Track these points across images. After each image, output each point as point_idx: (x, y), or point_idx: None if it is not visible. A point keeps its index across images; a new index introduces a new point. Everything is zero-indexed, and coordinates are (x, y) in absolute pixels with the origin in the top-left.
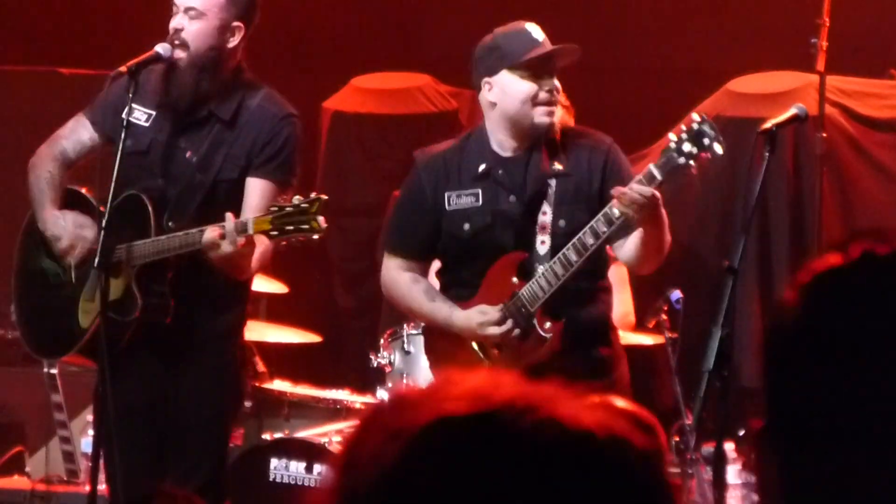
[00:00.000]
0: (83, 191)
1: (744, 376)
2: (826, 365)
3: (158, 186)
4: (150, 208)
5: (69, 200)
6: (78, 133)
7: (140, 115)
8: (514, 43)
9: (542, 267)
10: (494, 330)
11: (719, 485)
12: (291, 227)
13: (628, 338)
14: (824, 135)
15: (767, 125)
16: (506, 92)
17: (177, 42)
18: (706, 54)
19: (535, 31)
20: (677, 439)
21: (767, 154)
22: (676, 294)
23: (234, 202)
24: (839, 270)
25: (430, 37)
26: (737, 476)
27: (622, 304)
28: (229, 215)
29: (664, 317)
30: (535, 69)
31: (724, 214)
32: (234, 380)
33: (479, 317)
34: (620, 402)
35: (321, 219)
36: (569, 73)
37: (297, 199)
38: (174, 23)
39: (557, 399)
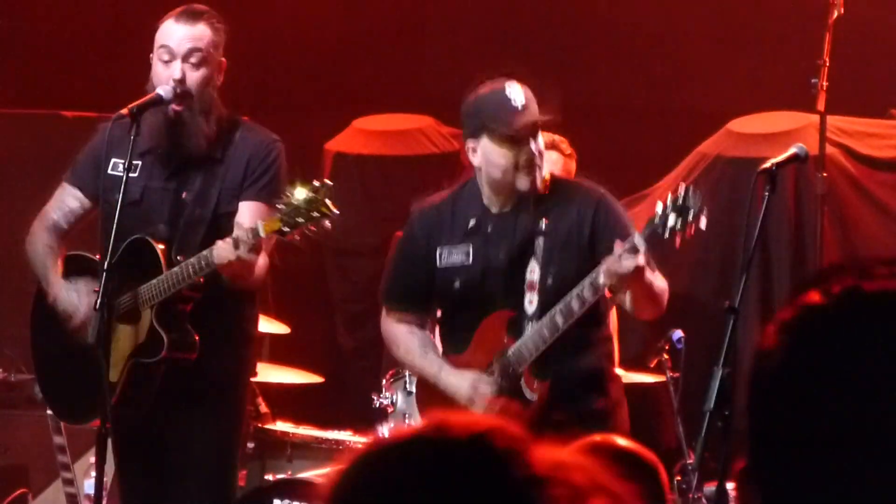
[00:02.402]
0: (84, 254)
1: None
2: (808, 406)
3: (160, 231)
4: (156, 245)
5: (72, 267)
6: (65, 201)
7: (122, 167)
8: (494, 109)
9: (529, 327)
10: (479, 409)
11: None
12: (302, 220)
13: (630, 377)
14: (825, 174)
15: (767, 165)
16: (487, 159)
17: (179, 91)
18: (707, 94)
19: (516, 94)
20: (679, 479)
21: (768, 194)
22: (678, 333)
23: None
24: (823, 308)
25: (431, 78)
26: None
27: None
28: (238, 223)
29: (666, 356)
30: (514, 137)
31: (725, 254)
32: (239, 422)
33: (470, 392)
34: (622, 441)
35: (330, 203)
36: (571, 114)
37: (300, 190)
38: (173, 72)
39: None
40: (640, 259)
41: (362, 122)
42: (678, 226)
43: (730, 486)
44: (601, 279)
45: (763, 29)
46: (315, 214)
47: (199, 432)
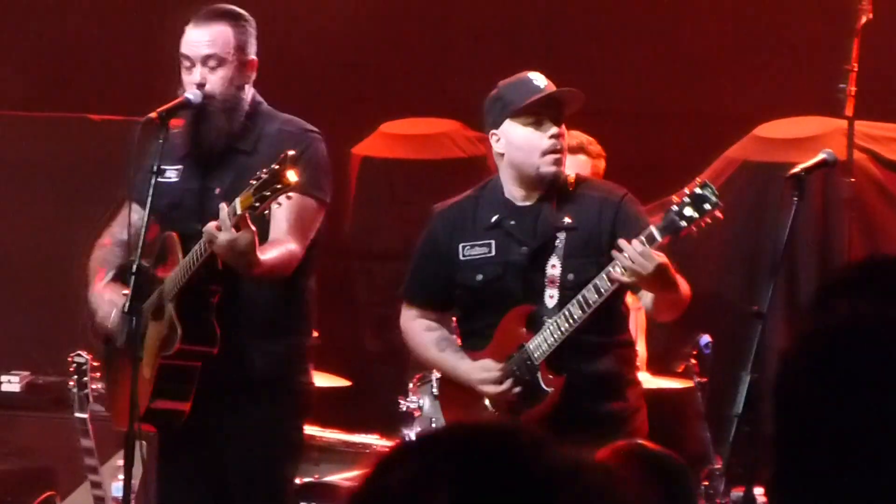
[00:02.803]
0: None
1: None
2: (833, 412)
3: (196, 230)
4: (177, 241)
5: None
6: (126, 216)
7: (171, 173)
8: (515, 92)
9: (549, 320)
10: (491, 389)
11: None
12: (269, 193)
13: (657, 383)
14: (853, 180)
15: (795, 170)
16: (510, 141)
17: (201, 94)
18: (734, 100)
19: (538, 79)
20: (706, 484)
21: (795, 199)
22: (705, 339)
23: (266, 226)
24: (849, 315)
25: (458, 83)
26: None
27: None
28: (222, 205)
29: (693, 361)
30: (537, 116)
31: (753, 259)
32: (290, 424)
33: (480, 373)
34: (652, 446)
35: (290, 173)
36: (597, 119)
37: (273, 165)
38: (194, 78)
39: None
40: (659, 257)
41: (389, 126)
42: (695, 216)
43: (757, 491)
44: (617, 268)
45: (791, 34)
46: (278, 186)
47: (248, 430)
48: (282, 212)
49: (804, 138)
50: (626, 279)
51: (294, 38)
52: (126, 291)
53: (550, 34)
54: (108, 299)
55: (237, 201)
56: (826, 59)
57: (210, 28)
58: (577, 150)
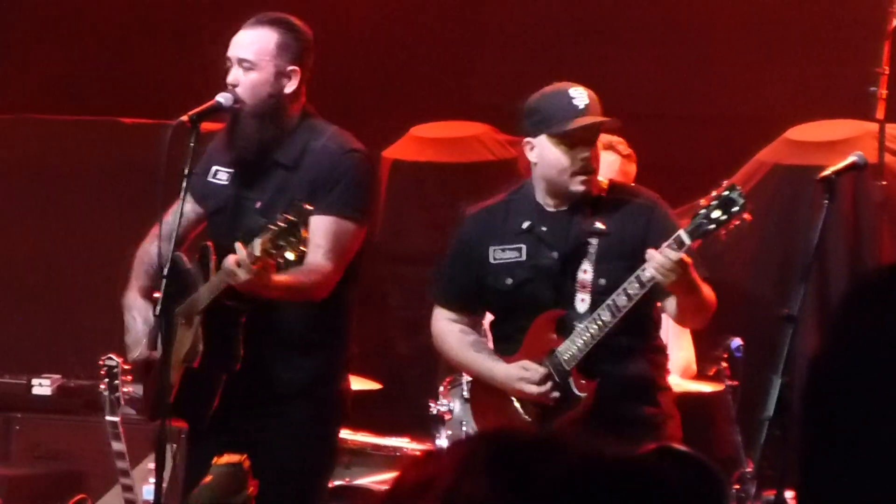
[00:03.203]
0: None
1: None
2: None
3: (231, 242)
4: (211, 254)
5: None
6: (178, 209)
7: (223, 175)
8: (555, 109)
9: (579, 325)
10: (532, 389)
11: None
12: (283, 244)
13: (688, 386)
14: (884, 183)
15: (826, 173)
16: (543, 157)
17: (231, 97)
18: (765, 103)
19: (579, 96)
20: (737, 488)
21: (826, 202)
22: (736, 342)
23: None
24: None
25: (488, 86)
26: None
27: (683, 352)
28: (238, 245)
29: (724, 365)
30: (573, 139)
31: (784, 262)
32: (321, 432)
33: (520, 372)
34: (686, 449)
35: (303, 230)
36: (628, 122)
37: (288, 216)
38: (230, 78)
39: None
40: (686, 261)
41: (419, 129)
42: (723, 219)
43: (788, 494)
44: (647, 273)
45: (822, 37)
46: (293, 239)
47: (279, 439)
48: (319, 233)
49: (835, 141)
50: (658, 278)
51: (325, 42)
52: (157, 294)
53: (579, 38)
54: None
55: (256, 244)
56: (857, 62)
57: (254, 32)
58: (606, 147)
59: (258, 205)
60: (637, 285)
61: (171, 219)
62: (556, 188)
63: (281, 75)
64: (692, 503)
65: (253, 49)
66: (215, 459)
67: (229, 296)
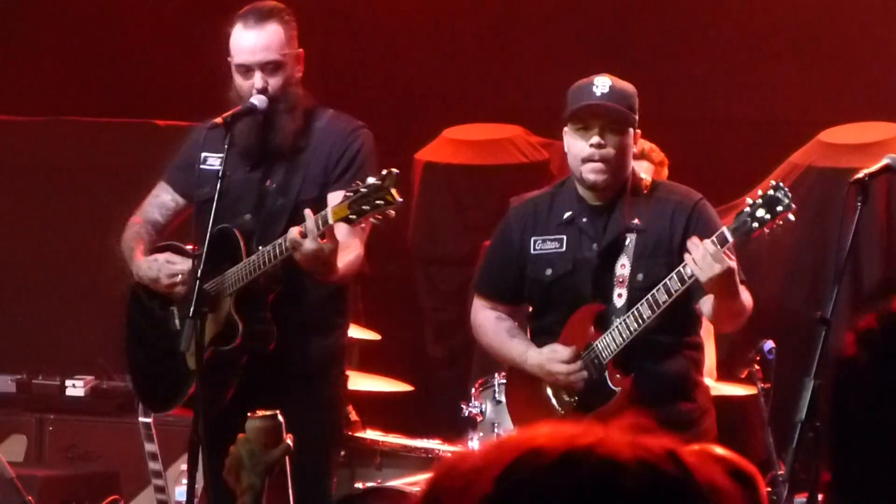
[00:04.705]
0: (176, 243)
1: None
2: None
3: (245, 221)
4: (238, 235)
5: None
6: (160, 197)
7: (213, 160)
8: (575, 95)
9: (617, 320)
10: (562, 367)
11: None
12: (368, 208)
13: (720, 389)
14: None
15: (860, 175)
16: (566, 146)
17: (265, 99)
18: (798, 105)
19: (601, 84)
20: (770, 490)
21: (860, 204)
22: (769, 344)
23: None
24: None
25: (521, 88)
26: None
27: (707, 359)
28: (308, 212)
29: (756, 367)
30: (585, 123)
31: (817, 265)
32: (338, 412)
33: (550, 353)
34: (719, 450)
35: (395, 191)
36: (662, 125)
37: (370, 179)
38: (256, 83)
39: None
40: (729, 260)
41: (452, 131)
42: (767, 217)
43: (820, 497)
44: (688, 269)
45: (855, 39)
46: (380, 202)
47: (298, 419)
48: None
49: (868, 143)
50: (697, 275)
51: (357, 44)
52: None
53: (614, 41)
54: (163, 264)
55: (329, 211)
56: (891, 65)
57: (265, 27)
58: (640, 157)
59: (269, 184)
60: (678, 282)
61: (154, 209)
62: (577, 178)
63: (296, 62)
64: None
65: (272, 48)
66: (249, 415)
67: (268, 273)
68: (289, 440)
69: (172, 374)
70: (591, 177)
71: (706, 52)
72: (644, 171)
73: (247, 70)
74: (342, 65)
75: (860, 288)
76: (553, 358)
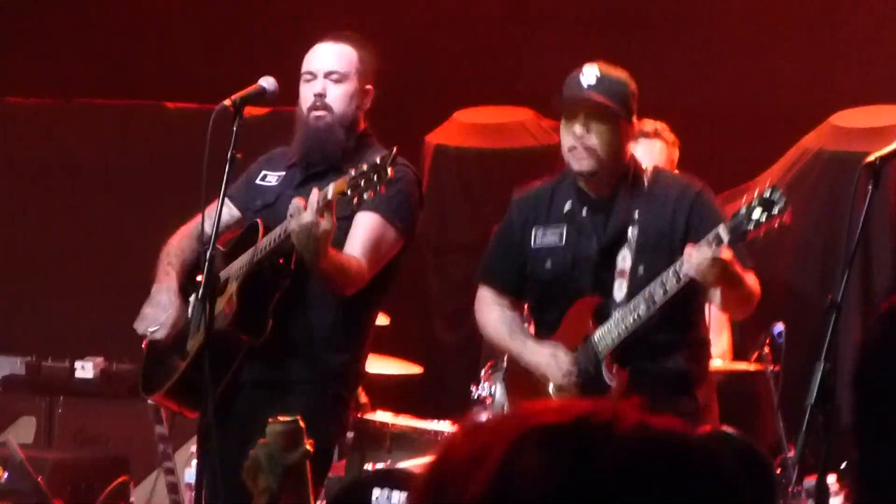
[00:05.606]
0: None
1: (846, 410)
2: None
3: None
4: (260, 228)
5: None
6: (215, 209)
7: (271, 178)
8: (565, 87)
9: (616, 313)
10: (555, 373)
11: None
12: (363, 185)
13: (731, 366)
14: None
15: (871, 158)
16: (560, 136)
17: (319, 105)
18: (809, 88)
19: (587, 74)
20: (779, 473)
21: (871, 188)
22: (779, 327)
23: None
24: None
25: (533, 71)
26: None
27: (718, 347)
28: (314, 190)
29: (766, 350)
30: (570, 112)
31: (828, 249)
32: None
33: (547, 357)
34: (731, 433)
35: (390, 169)
36: (673, 110)
37: (374, 159)
38: (315, 89)
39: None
40: (724, 252)
41: (463, 114)
42: (763, 219)
43: (830, 479)
44: (684, 268)
45: (866, 22)
46: (375, 180)
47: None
48: (360, 230)
49: (880, 128)
50: (692, 276)
51: (368, 27)
52: (199, 277)
53: (625, 26)
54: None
55: (330, 186)
56: None
57: (338, 46)
58: (653, 135)
59: None
60: (674, 279)
61: (207, 220)
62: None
63: (363, 91)
64: (742, 486)
65: (342, 62)
66: (270, 420)
67: (273, 267)
68: (308, 445)
69: (170, 359)
70: (575, 166)
71: (717, 37)
72: (657, 149)
73: (311, 76)
74: None
75: (871, 272)
76: (550, 364)
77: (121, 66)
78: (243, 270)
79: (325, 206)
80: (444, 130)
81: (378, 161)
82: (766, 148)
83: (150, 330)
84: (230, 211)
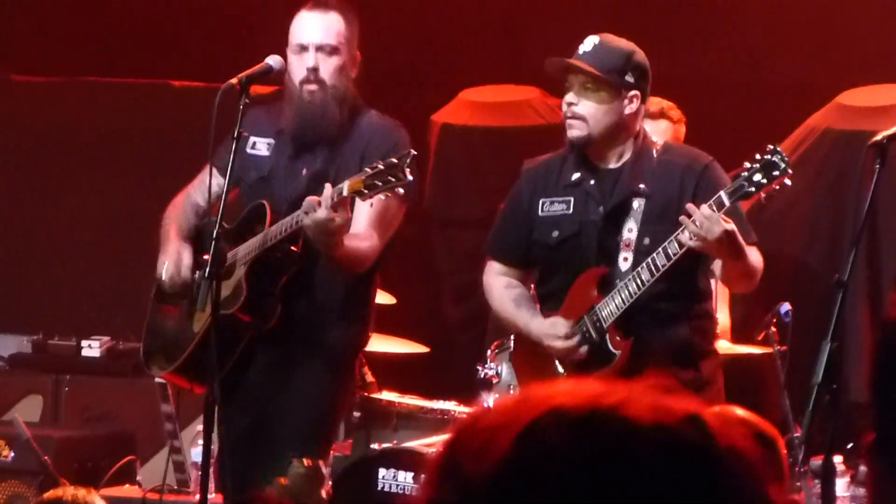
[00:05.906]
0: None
1: (853, 390)
2: None
3: (282, 207)
4: (268, 210)
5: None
6: (205, 181)
7: (261, 146)
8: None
9: (619, 283)
10: (558, 343)
11: (828, 498)
12: (380, 184)
13: (737, 349)
14: None
15: (878, 137)
16: None
17: (311, 78)
18: (817, 67)
19: (587, 43)
20: (786, 452)
21: (878, 167)
22: (785, 307)
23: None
24: None
25: (539, 49)
26: (845, 489)
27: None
28: (327, 185)
29: (773, 329)
30: (566, 81)
31: (835, 228)
32: (336, 390)
33: (549, 329)
34: (743, 413)
35: (408, 170)
36: (680, 87)
37: (391, 158)
38: (307, 62)
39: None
40: (727, 223)
41: (469, 93)
42: (764, 182)
43: (837, 459)
44: (685, 233)
45: (876, 1)
46: (392, 180)
47: (295, 391)
48: (366, 206)
49: (888, 106)
50: (692, 243)
51: (373, 6)
52: (206, 256)
53: (634, 1)
54: (170, 252)
55: (346, 184)
56: None
57: (326, 17)
58: (658, 115)
59: (304, 172)
60: (676, 245)
61: (197, 192)
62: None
63: (354, 61)
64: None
65: (332, 34)
66: (293, 462)
67: (282, 252)
68: (324, 492)
69: (176, 335)
70: (568, 133)
71: (723, 13)
72: (663, 129)
73: (302, 49)
74: (360, 26)
75: (877, 251)
76: (551, 333)
77: (127, 45)
78: (251, 256)
79: (338, 203)
80: (451, 109)
81: (396, 161)
82: (775, 126)
83: (170, 283)
84: (217, 181)
